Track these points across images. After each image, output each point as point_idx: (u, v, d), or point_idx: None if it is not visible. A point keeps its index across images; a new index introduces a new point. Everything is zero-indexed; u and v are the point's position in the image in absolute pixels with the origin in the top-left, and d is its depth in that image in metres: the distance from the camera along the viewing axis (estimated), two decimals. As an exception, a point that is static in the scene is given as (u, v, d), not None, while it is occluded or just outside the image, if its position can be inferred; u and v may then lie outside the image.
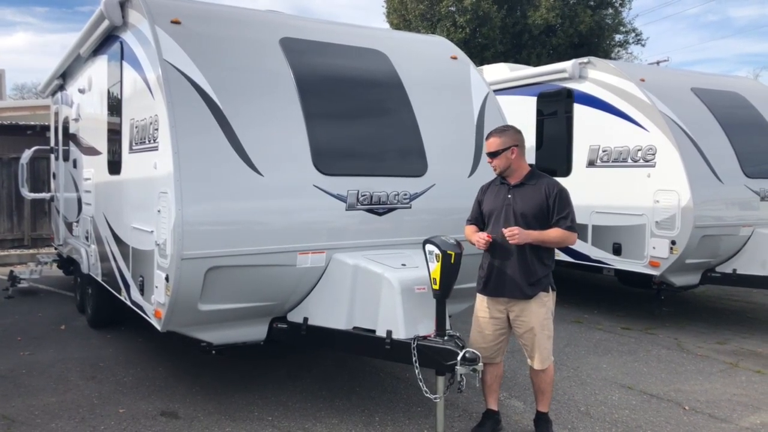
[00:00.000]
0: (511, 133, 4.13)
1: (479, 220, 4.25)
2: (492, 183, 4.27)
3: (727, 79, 8.75)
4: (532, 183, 4.07)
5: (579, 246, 7.53)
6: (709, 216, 6.70)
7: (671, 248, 6.66)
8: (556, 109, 8.28)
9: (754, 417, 4.68)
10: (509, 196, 4.06)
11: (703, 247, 6.75)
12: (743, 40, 76.72)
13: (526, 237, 3.87)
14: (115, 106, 5.59)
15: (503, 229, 3.92)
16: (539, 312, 4.00)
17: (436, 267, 3.90)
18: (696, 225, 6.54)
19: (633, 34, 24.76)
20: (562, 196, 4.01)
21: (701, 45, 76.23)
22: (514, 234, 3.85)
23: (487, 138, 4.20)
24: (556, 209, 3.97)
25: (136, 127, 4.89)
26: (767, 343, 6.68)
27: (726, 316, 8.03)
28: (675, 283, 7.08)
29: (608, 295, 9.25)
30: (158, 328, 4.39)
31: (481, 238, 4.01)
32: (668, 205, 6.69)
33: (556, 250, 4.21)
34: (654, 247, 6.82)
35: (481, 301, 4.15)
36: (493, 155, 4.09)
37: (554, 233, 3.94)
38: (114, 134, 5.62)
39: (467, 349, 3.79)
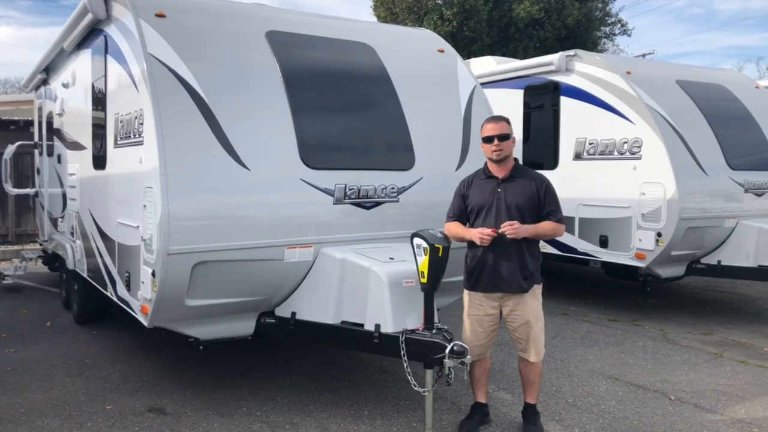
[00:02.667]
0: (509, 122, 4.14)
1: (462, 215, 4.19)
2: (475, 177, 4.21)
3: (712, 71, 8.81)
4: (521, 176, 4.07)
5: (566, 238, 7.57)
6: (695, 208, 6.76)
7: (657, 240, 6.72)
8: (542, 102, 8.30)
9: (739, 407, 4.74)
10: (499, 190, 4.04)
11: (689, 239, 6.81)
12: (728, 32, 77.44)
13: (525, 231, 3.88)
14: (99, 100, 5.53)
15: (503, 224, 3.86)
16: (534, 304, 4.02)
17: (424, 260, 3.90)
18: (681, 217, 6.59)
19: (618, 25, 24.88)
20: (551, 189, 4.07)
21: (686, 38, 76.76)
22: (515, 228, 3.84)
23: (495, 121, 4.09)
24: (546, 202, 4.01)
25: (121, 122, 4.85)
26: (751, 334, 6.76)
27: (711, 307, 8.11)
28: (661, 275, 7.14)
29: (595, 287, 9.31)
30: (145, 323, 4.37)
31: (484, 233, 3.90)
32: (654, 197, 6.74)
33: (543, 243, 4.23)
34: (640, 239, 6.87)
35: (474, 298, 4.10)
36: (504, 138, 4.02)
37: (548, 225, 3.99)
38: (99, 129, 5.56)
39: (455, 342, 3.79)
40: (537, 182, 4.05)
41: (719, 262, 7.18)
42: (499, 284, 3.99)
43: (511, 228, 3.84)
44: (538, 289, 4.06)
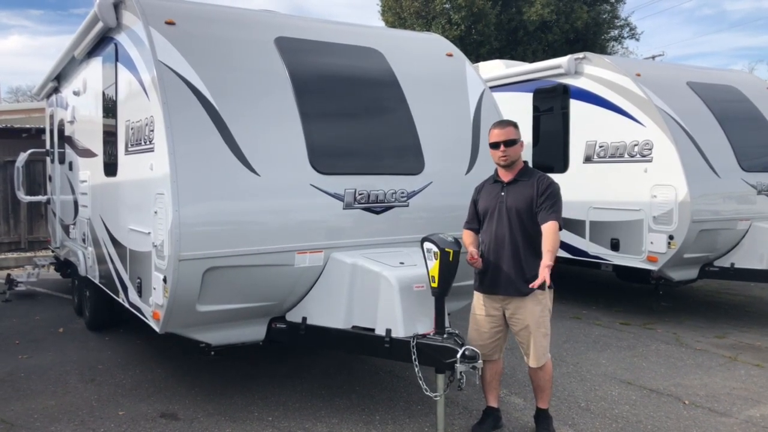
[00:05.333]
0: (516, 127, 4.13)
1: (475, 221, 4.23)
2: (486, 182, 4.25)
3: (722, 72, 8.76)
4: (524, 179, 4.06)
5: (577, 242, 7.54)
6: (707, 210, 6.71)
7: (669, 243, 6.67)
8: (552, 105, 8.28)
9: (754, 410, 4.69)
10: (502, 193, 4.06)
11: (701, 242, 6.76)
12: (739, 33, 76.92)
13: (548, 268, 3.71)
14: (110, 107, 5.57)
15: (533, 283, 3.75)
16: (534, 310, 3.97)
17: (434, 265, 3.90)
18: (693, 219, 6.54)
19: (628, 29, 24.78)
20: (552, 189, 3.95)
21: (696, 39, 76.35)
22: (544, 276, 3.67)
23: (501, 126, 4.09)
24: (545, 203, 3.89)
25: (132, 129, 4.88)
26: (766, 337, 6.69)
27: (724, 310, 8.04)
28: (673, 278, 7.09)
29: (606, 290, 9.25)
30: (156, 329, 4.38)
31: (474, 259, 3.94)
32: (665, 200, 6.70)
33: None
34: (652, 242, 6.82)
35: (478, 299, 4.15)
36: (511, 143, 4.01)
37: (551, 239, 3.80)
38: (109, 136, 5.60)
39: (467, 346, 3.79)
40: (538, 182, 3.97)
41: (732, 264, 7.12)
42: (499, 287, 4.01)
43: (540, 280, 3.69)
44: (540, 294, 3.95)
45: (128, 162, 5.05)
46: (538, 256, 3.95)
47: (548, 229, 3.83)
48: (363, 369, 5.54)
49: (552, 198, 3.93)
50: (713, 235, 6.88)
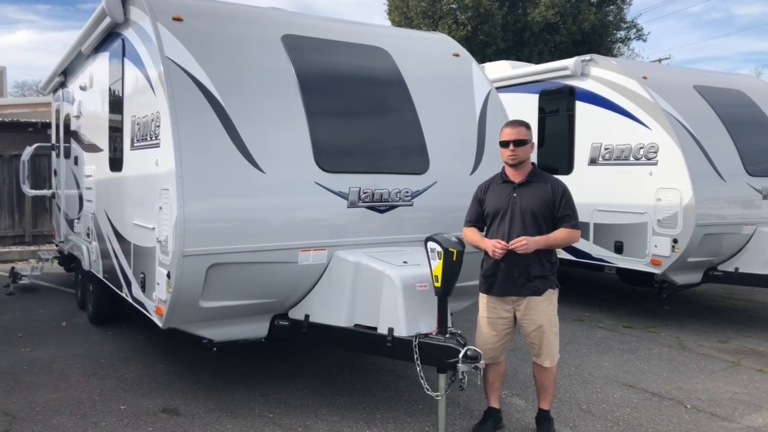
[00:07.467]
0: (528, 128, 4.13)
1: (479, 220, 4.21)
2: (492, 182, 4.22)
3: (729, 76, 8.73)
4: (537, 181, 4.06)
5: (581, 244, 7.52)
6: (711, 214, 6.69)
7: (673, 246, 6.65)
8: (558, 106, 8.27)
9: (756, 416, 4.67)
10: (514, 194, 4.03)
11: (705, 246, 6.74)
12: (746, 37, 76.46)
13: (535, 244, 3.88)
14: (116, 103, 5.58)
15: (513, 241, 3.88)
16: (548, 309, 3.99)
17: (437, 264, 3.90)
18: (698, 223, 6.52)
19: (634, 30, 24.73)
20: (568, 194, 4.05)
21: (704, 43, 76.02)
22: (525, 245, 3.84)
23: (513, 126, 4.09)
24: (562, 208, 3.99)
25: (138, 124, 4.89)
26: (769, 342, 6.68)
27: (728, 314, 8.02)
28: (677, 282, 7.08)
29: (610, 293, 9.23)
30: (159, 324, 4.39)
31: (497, 246, 3.91)
32: (670, 203, 6.68)
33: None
34: (656, 246, 6.80)
35: (487, 302, 4.11)
36: (520, 143, 4.01)
37: (560, 234, 3.96)
38: (115, 131, 5.61)
39: (469, 346, 3.78)
40: (553, 186, 4.03)
41: (736, 269, 7.10)
42: (512, 288, 3.98)
43: (519, 244, 3.85)
44: (552, 294, 4.03)
45: (134, 157, 5.06)
46: (550, 257, 4.02)
47: (565, 230, 3.98)
48: (365, 367, 5.54)
49: (571, 206, 4.03)
50: (717, 240, 6.86)
